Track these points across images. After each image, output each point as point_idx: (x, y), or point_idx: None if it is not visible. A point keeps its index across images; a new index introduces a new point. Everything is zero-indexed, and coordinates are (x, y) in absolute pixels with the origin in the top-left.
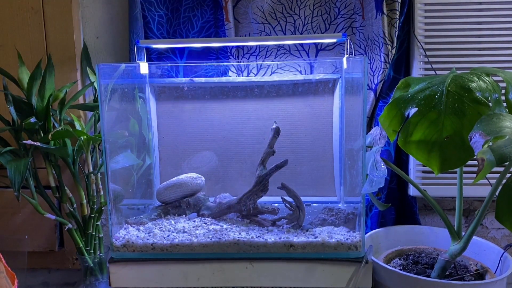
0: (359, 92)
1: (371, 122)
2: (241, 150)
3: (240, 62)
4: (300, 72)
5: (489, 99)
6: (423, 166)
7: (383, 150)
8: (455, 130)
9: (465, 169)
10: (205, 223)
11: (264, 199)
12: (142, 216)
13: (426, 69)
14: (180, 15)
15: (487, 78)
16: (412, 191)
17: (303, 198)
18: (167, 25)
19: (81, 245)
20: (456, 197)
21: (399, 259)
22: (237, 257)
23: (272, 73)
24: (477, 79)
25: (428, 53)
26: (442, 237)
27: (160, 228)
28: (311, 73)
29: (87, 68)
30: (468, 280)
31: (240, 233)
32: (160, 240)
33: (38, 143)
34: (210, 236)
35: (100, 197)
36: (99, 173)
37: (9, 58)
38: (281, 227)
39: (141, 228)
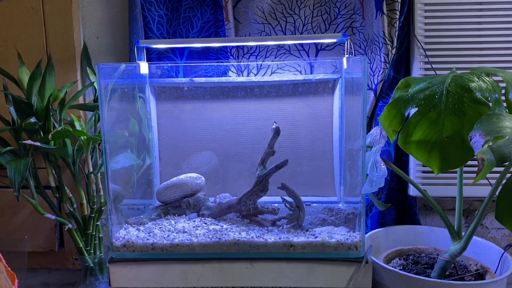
0: (359, 92)
1: (371, 122)
2: (241, 150)
3: (240, 62)
4: (300, 72)
5: (489, 99)
6: (423, 166)
7: (383, 150)
8: (455, 130)
9: (465, 169)
10: (205, 223)
11: (264, 199)
12: (142, 216)
13: (426, 69)
14: (180, 15)
15: (487, 78)
16: (412, 191)
17: (303, 198)
18: (167, 25)
19: (81, 245)
20: (456, 197)
21: (399, 259)
22: (237, 257)
23: (272, 73)
24: (477, 79)
25: (428, 53)
26: (442, 237)
27: (160, 228)
28: (311, 73)
29: (87, 68)
30: (468, 280)
31: (240, 233)
32: (160, 240)
33: (38, 143)
34: (210, 236)
35: (100, 197)
36: (99, 173)
37: (9, 58)
38: (281, 227)
39: (141, 228)
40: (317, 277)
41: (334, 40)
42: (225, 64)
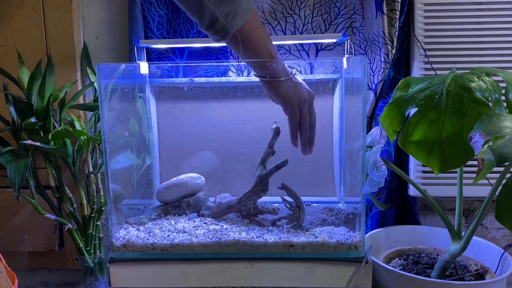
0: (359, 92)
1: (371, 122)
2: (241, 150)
3: (240, 62)
4: (300, 72)
5: (489, 99)
6: (423, 166)
7: (383, 150)
8: (455, 130)
9: (465, 169)
10: (205, 223)
11: (264, 199)
12: (142, 216)
13: (426, 69)
14: (180, 15)
15: (487, 78)
16: (412, 191)
17: (303, 198)
18: (167, 25)
19: (81, 245)
20: (456, 197)
21: (399, 259)
22: (237, 257)
23: None
24: (477, 79)
25: (428, 53)
26: (442, 237)
27: (160, 228)
28: (311, 73)
29: (87, 68)
30: (468, 280)
31: (240, 233)
32: (160, 240)
33: (38, 143)
34: (210, 236)
35: (100, 197)
36: (99, 173)
37: (9, 58)
38: (281, 227)
39: (141, 228)
40: (317, 277)
41: (334, 40)
42: (225, 64)
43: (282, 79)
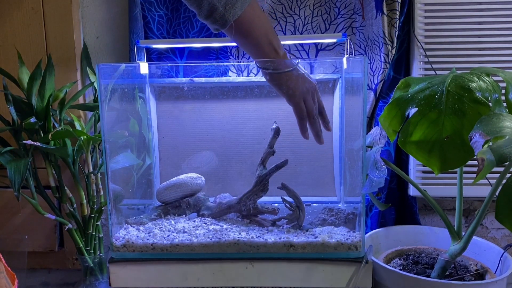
0: (359, 92)
1: (371, 122)
2: (241, 150)
3: (240, 62)
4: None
5: (489, 99)
6: (423, 166)
7: (383, 150)
8: (455, 130)
9: (465, 169)
10: (205, 223)
11: (264, 199)
12: (142, 216)
13: (426, 69)
14: (180, 15)
15: (487, 78)
16: (412, 191)
17: (303, 198)
18: (167, 25)
19: (81, 245)
20: (456, 197)
21: (399, 259)
22: (237, 257)
23: None
24: (477, 79)
25: (428, 53)
26: (442, 237)
27: (160, 228)
28: (311, 73)
29: (87, 68)
30: (468, 280)
31: (240, 233)
32: (160, 240)
33: (38, 143)
34: (210, 236)
35: (100, 197)
36: (99, 173)
37: (9, 58)
38: (281, 227)
39: (141, 228)
40: (317, 277)
41: (334, 40)
42: (225, 64)
43: (280, 71)
